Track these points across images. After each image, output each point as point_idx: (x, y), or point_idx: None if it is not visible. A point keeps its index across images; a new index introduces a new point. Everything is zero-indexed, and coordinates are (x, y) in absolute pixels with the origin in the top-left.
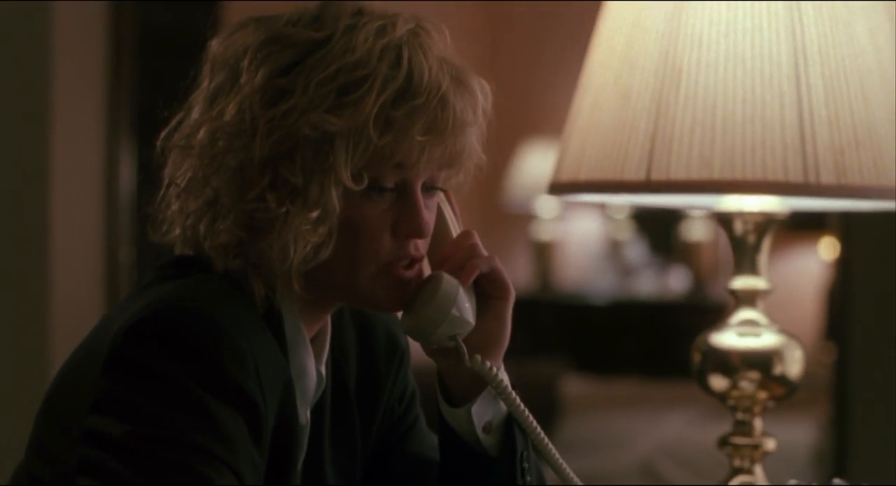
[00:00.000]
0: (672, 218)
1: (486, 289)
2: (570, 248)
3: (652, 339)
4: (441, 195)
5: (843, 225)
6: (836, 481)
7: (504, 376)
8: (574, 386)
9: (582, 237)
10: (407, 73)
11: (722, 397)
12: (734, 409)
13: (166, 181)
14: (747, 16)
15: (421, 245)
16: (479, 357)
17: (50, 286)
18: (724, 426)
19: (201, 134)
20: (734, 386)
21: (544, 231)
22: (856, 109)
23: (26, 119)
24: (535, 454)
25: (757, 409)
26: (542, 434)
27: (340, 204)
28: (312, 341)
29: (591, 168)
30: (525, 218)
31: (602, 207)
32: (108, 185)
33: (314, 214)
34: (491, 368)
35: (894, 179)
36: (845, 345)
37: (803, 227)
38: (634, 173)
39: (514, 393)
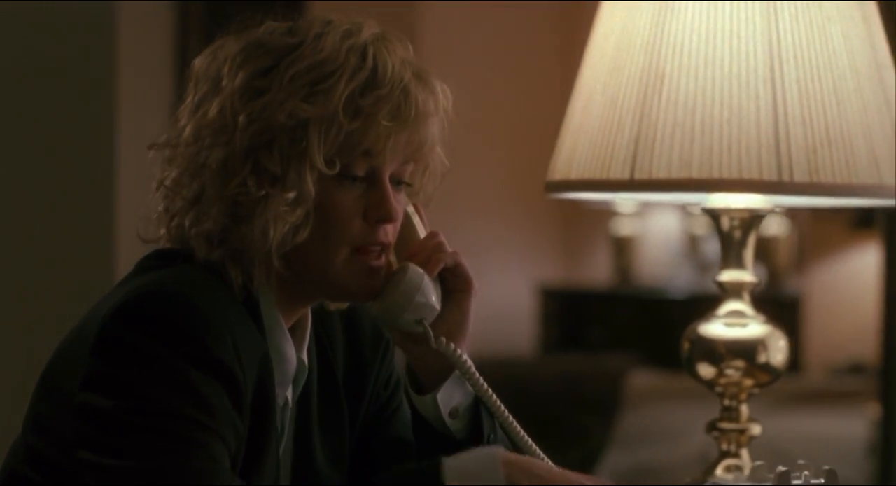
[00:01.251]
0: None
1: (451, 283)
2: (649, 243)
3: None
4: (411, 206)
5: (889, 223)
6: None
7: (469, 360)
8: (642, 379)
9: (661, 233)
10: (372, 67)
11: (710, 384)
12: (721, 395)
13: (154, 185)
14: (726, 21)
15: (390, 231)
16: (444, 340)
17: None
18: (780, 419)
19: (186, 133)
20: (721, 374)
21: (624, 227)
22: (829, 110)
23: (92, 120)
24: (504, 435)
25: (743, 396)
26: (509, 415)
27: (316, 188)
28: (292, 330)
29: (581, 168)
30: (605, 214)
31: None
32: None
33: (291, 195)
34: (455, 349)
35: (866, 177)
36: (891, 340)
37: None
38: (619, 173)
39: (478, 375)
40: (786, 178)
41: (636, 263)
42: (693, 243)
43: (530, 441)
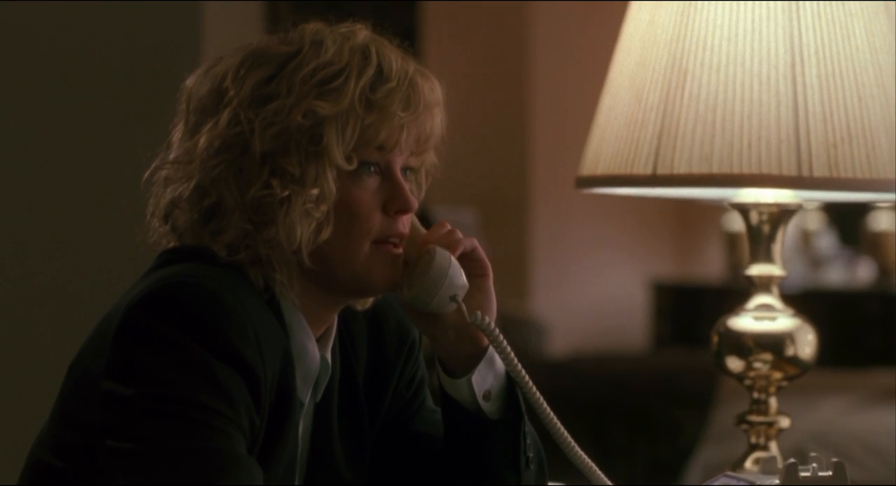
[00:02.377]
0: (861, 209)
1: (470, 268)
2: None
3: (838, 327)
4: None
5: None
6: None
7: (501, 335)
8: None
9: None
10: (377, 64)
11: (739, 377)
12: (751, 388)
13: (151, 210)
14: (748, 19)
15: (407, 222)
16: (479, 313)
17: None
18: (874, 414)
19: (200, 145)
20: (749, 367)
21: (736, 222)
22: (850, 106)
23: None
24: (532, 414)
25: (772, 389)
26: (538, 393)
27: (337, 185)
28: (320, 335)
29: (607, 163)
30: (717, 210)
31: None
32: None
33: (314, 192)
34: (490, 323)
35: (888, 172)
36: None
37: None
38: (643, 168)
39: (511, 350)
40: (805, 173)
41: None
42: (806, 238)
43: (556, 421)
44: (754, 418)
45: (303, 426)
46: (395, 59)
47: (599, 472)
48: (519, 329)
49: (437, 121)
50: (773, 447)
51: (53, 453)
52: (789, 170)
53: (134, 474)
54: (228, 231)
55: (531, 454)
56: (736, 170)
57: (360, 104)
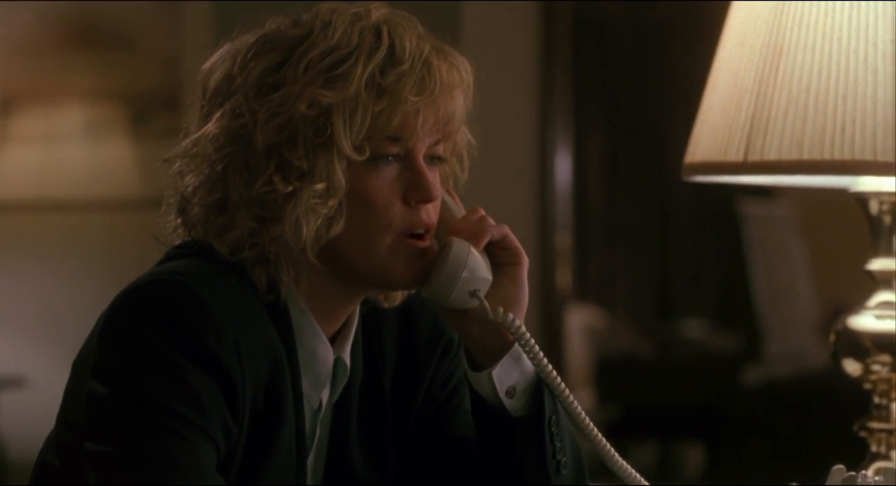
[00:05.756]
0: None
1: (501, 257)
2: None
3: None
4: (442, 189)
5: None
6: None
7: (528, 333)
8: None
9: None
10: (389, 45)
11: (858, 380)
12: (871, 393)
13: (168, 201)
14: None
15: (432, 212)
16: (501, 310)
17: None
18: None
19: (203, 139)
20: (867, 370)
21: None
22: None
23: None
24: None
25: (893, 394)
26: (570, 394)
27: (346, 177)
28: (338, 331)
29: (704, 149)
30: None
31: None
32: (543, 173)
33: (320, 187)
34: (514, 320)
35: None
36: None
37: None
38: (734, 154)
39: (538, 349)
40: None
41: None
42: None
43: (590, 422)
44: (874, 424)
45: (320, 428)
46: (410, 38)
47: (636, 473)
48: None
49: (458, 102)
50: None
51: (54, 452)
52: (885, 155)
53: (100, 477)
54: (234, 230)
55: (562, 458)
56: (827, 156)
57: (369, 90)
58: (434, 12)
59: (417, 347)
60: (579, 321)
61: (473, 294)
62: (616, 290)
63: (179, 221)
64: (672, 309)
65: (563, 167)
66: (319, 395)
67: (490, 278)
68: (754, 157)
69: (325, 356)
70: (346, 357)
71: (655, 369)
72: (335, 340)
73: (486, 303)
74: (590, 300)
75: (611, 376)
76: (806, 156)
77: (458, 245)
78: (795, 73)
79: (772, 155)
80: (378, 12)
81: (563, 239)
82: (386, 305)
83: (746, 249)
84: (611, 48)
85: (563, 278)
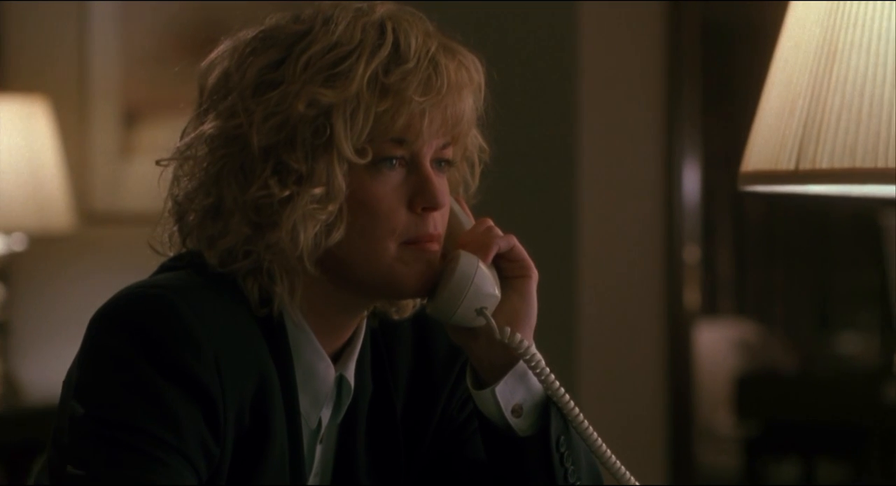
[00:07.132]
0: None
1: (509, 269)
2: None
3: None
4: (451, 198)
5: None
6: None
7: (537, 352)
8: None
9: None
10: (393, 42)
11: None
12: None
13: (168, 202)
14: None
15: (439, 221)
16: (508, 330)
17: (608, 285)
18: None
19: (198, 140)
20: None
21: None
22: None
23: (559, 119)
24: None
25: None
26: (580, 414)
27: (347, 181)
28: (342, 347)
29: (756, 158)
30: None
31: None
32: (670, 184)
33: (319, 191)
34: (522, 340)
35: None
36: None
37: None
38: (786, 163)
39: (548, 369)
40: None
41: None
42: None
43: (603, 444)
44: None
45: (323, 448)
46: (416, 35)
47: None
48: None
49: (467, 103)
50: None
51: (47, 475)
52: None
53: None
54: (228, 236)
55: (576, 481)
56: (881, 164)
57: (371, 89)
58: (551, 11)
59: (434, 364)
60: (732, 336)
61: (480, 312)
62: (773, 303)
63: (176, 228)
64: (828, 322)
65: (690, 178)
66: (318, 414)
67: (498, 294)
68: (805, 165)
69: (325, 373)
70: (350, 375)
71: (797, 386)
72: (340, 356)
73: (493, 321)
74: (746, 314)
75: (750, 392)
76: (859, 164)
77: (466, 259)
78: (850, 76)
79: (824, 163)
80: (383, 8)
81: (692, 253)
82: (396, 317)
83: (887, 261)
84: (738, 52)
85: (691, 293)
